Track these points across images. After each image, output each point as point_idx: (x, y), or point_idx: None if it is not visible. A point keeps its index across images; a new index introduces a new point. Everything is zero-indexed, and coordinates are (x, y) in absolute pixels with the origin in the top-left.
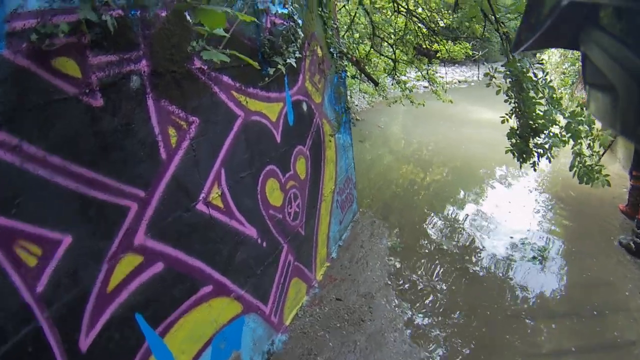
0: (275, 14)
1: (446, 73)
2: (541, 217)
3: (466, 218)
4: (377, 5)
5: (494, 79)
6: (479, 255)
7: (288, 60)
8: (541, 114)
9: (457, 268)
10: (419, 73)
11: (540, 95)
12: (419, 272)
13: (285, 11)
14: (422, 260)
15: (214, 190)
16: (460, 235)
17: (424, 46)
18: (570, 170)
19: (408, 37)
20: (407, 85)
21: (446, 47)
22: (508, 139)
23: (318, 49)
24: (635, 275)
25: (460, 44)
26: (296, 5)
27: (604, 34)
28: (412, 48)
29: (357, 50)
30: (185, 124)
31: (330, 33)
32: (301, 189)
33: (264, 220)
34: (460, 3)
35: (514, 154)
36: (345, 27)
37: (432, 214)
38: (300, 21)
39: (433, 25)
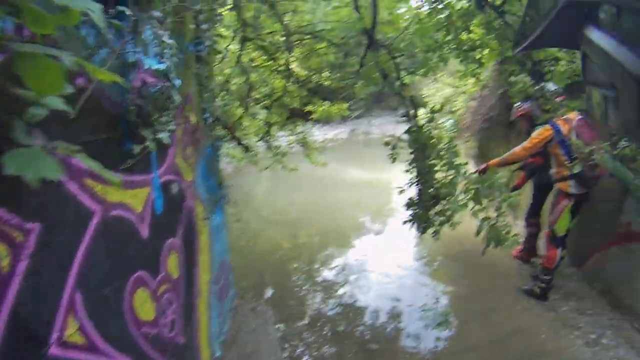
0: (148, 69)
1: (324, 135)
2: (435, 279)
3: (354, 289)
4: (254, 64)
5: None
6: (381, 331)
7: (159, 135)
8: (445, 181)
9: (361, 350)
10: (292, 137)
11: (444, 161)
12: None
13: (162, 67)
14: (320, 347)
15: (70, 324)
16: (354, 311)
17: (299, 107)
18: (477, 236)
19: (285, 98)
20: (279, 150)
21: (322, 108)
22: (407, 209)
23: (192, 115)
24: (545, 317)
25: (337, 104)
26: (175, 60)
27: (604, 34)
28: (287, 110)
29: (229, 114)
30: (21, 236)
31: (207, 95)
32: (175, 290)
33: (137, 343)
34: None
35: (412, 224)
36: (219, 87)
37: (315, 287)
38: (177, 81)
39: (311, 85)
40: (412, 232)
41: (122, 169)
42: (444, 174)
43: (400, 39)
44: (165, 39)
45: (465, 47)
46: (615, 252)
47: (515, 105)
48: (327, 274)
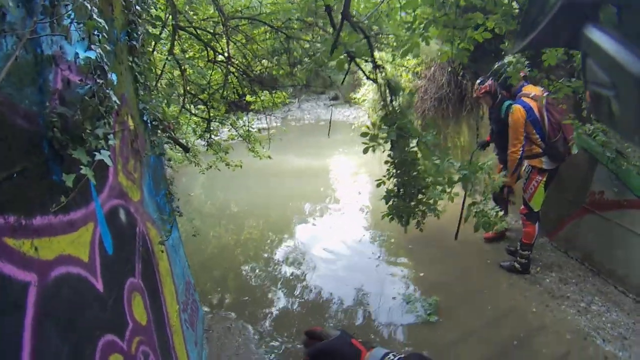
0: (72, 65)
1: (259, 124)
2: (408, 266)
3: (324, 283)
4: (188, 55)
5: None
6: (370, 328)
7: (97, 156)
8: (430, 168)
9: None
10: (233, 131)
11: (425, 147)
12: None
13: (92, 55)
14: None
15: None
16: (332, 309)
17: (237, 99)
18: (466, 221)
19: (224, 91)
20: (221, 147)
21: (262, 98)
22: (386, 203)
23: (129, 119)
24: (532, 291)
25: (280, 92)
26: (106, 47)
27: (604, 33)
28: (226, 103)
29: (165, 113)
30: None
31: (145, 94)
32: (148, 337)
33: None
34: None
35: (392, 218)
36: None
37: (281, 287)
38: (113, 77)
39: (251, 74)
40: (365, 219)
41: (54, 211)
42: (427, 162)
43: (374, 15)
44: (95, 16)
45: (458, 25)
46: (590, 221)
47: (477, 82)
48: (289, 270)
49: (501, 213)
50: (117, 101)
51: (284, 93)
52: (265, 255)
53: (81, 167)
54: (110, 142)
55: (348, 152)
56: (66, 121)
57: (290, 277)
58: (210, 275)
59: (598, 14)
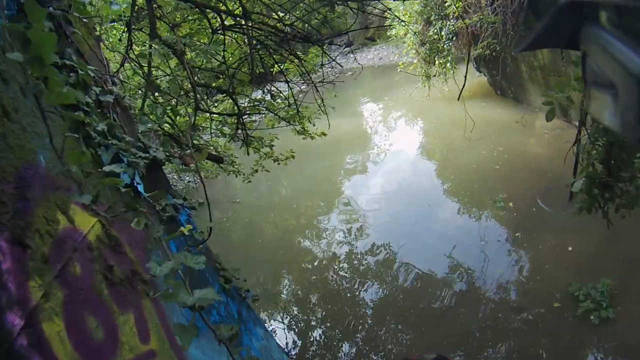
0: None
1: (321, 94)
2: (551, 238)
3: (487, 284)
4: (182, 32)
5: None
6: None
7: None
8: None
9: None
10: (269, 115)
11: None
12: None
13: None
14: None
15: None
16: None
17: (260, 70)
18: None
19: (252, 67)
20: (263, 142)
21: (299, 60)
22: (586, 193)
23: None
24: None
25: (316, 48)
26: None
27: (604, 33)
28: (250, 79)
29: (175, 122)
30: None
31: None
32: None
33: None
34: None
35: (590, 210)
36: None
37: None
38: None
39: (284, 32)
40: (458, 181)
41: None
42: None
43: None
44: None
45: None
46: None
47: None
48: (372, 260)
49: None
50: None
51: (318, 48)
52: (346, 247)
53: None
54: None
55: (394, 97)
56: None
57: (379, 274)
58: (290, 294)
59: (598, 14)
